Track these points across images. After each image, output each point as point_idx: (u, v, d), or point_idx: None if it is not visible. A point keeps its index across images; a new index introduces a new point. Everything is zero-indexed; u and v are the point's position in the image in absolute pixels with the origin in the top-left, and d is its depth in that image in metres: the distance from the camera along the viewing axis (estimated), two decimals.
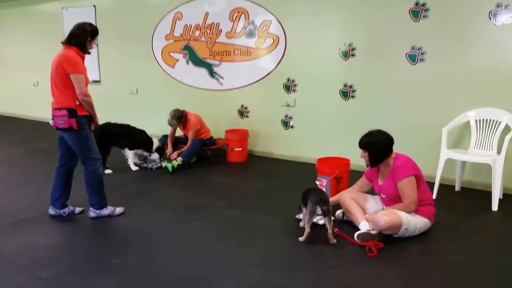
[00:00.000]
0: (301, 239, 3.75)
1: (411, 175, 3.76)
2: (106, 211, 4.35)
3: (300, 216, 4.06)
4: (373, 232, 3.72)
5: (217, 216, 4.41)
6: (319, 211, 3.68)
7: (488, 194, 4.55)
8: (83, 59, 4.13)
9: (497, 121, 4.69)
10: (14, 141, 8.27)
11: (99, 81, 8.90)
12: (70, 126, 4.01)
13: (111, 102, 8.65)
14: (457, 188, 5.07)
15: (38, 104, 10.12)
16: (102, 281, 3.20)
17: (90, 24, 4.20)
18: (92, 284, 3.16)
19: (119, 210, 4.44)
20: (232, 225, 4.19)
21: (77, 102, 4.03)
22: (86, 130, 4.13)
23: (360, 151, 3.96)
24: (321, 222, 3.90)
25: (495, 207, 4.44)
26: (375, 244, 3.60)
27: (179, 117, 6.37)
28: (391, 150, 3.90)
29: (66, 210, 4.40)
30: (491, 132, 4.72)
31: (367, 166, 4.02)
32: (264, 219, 4.29)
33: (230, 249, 3.66)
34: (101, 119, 6.13)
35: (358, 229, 3.82)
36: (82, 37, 4.10)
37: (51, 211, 4.40)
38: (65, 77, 3.98)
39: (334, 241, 3.70)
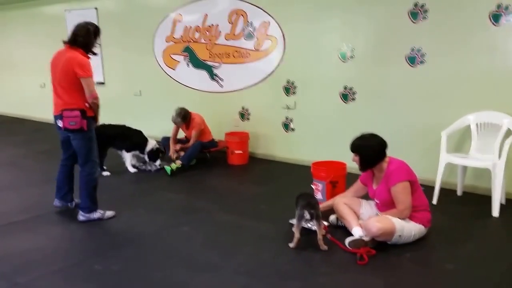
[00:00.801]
0: (291, 245, 3.64)
1: (405, 180, 3.63)
2: (96, 214, 4.31)
3: (294, 221, 3.95)
4: (365, 238, 3.60)
5: (209, 220, 4.32)
6: (307, 215, 3.57)
7: (490, 199, 4.37)
8: None
9: (498, 124, 4.53)
10: (16, 142, 8.28)
11: (103, 83, 8.88)
12: (81, 127, 4.02)
13: (116, 104, 8.61)
14: (458, 193, 4.91)
15: (43, 105, 10.10)
16: (80, 287, 3.13)
17: (91, 24, 4.18)
18: None
19: (109, 213, 4.38)
20: (222, 230, 4.09)
21: (87, 104, 4.05)
22: (92, 131, 4.19)
23: (352, 154, 3.85)
24: (314, 228, 3.79)
25: (495, 213, 4.27)
26: (366, 251, 3.48)
27: (184, 116, 6.31)
28: (384, 155, 3.77)
29: (74, 202, 4.52)
30: (492, 136, 4.56)
31: (359, 169, 3.91)
32: (256, 224, 4.18)
33: (216, 255, 3.56)
34: (107, 121, 6.16)
35: (352, 235, 3.71)
36: (87, 39, 4.09)
37: (57, 203, 4.47)
38: (74, 80, 3.97)
39: (325, 247, 3.58)
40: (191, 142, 6.31)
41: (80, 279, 3.23)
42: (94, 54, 4.22)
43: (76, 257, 3.59)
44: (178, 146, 6.35)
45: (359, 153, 3.77)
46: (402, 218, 3.63)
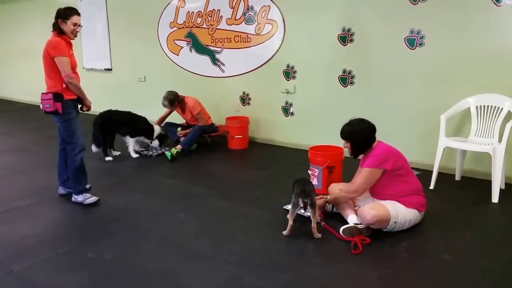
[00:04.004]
0: (284, 233, 3.36)
1: (376, 167, 3.36)
2: (79, 198, 4.13)
3: (289, 207, 3.65)
4: (360, 226, 3.31)
5: (205, 207, 4.05)
6: (301, 203, 3.27)
7: (490, 184, 4.03)
8: (69, 43, 3.93)
9: (498, 107, 4.16)
10: (29, 128, 8.04)
11: (110, 69, 8.60)
12: (55, 109, 3.87)
13: (122, 90, 8.41)
14: (457, 178, 4.57)
15: None
16: (71, 276, 2.90)
17: (65, 8, 3.90)
18: (59, 279, 2.86)
19: (91, 200, 4.13)
20: (217, 217, 3.82)
21: (64, 86, 3.88)
22: (70, 114, 3.97)
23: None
24: (308, 214, 3.48)
25: (495, 198, 3.94)
26: (361, 240, 3.18)
27: (171, 100, 6.02)
28: (373, 139, 3.49)
29: None
30: (492, 119, 4.20)
31: (350, 155, 3.63)
32: (251, 211, 3.90)
33: (209, 243, 3.29)
34: (113, 106, 5.96)
35: (347, 223, 3.41)
36: (57, 22, 3.87)
37: (62, 190, 4.33)
38: (51, 62, 3.83)
39: (319, 235, 3.29)
40: (200, 123, 6.03)
41: (72, 268, 3.00)
42: (71, 35, 3.92)
43: (71, 244, 3.35)
44: (182, 133, 6.06)
45: (350, 139, 3.50)
46: (347, 198, 3.49)
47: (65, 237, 3.51)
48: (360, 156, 3.63)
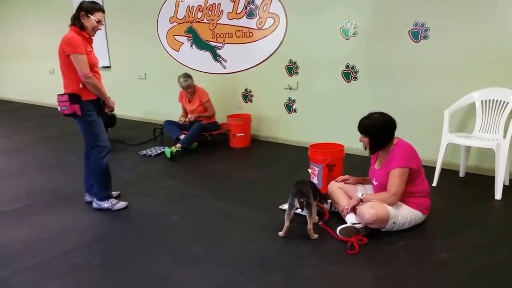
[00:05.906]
0: (280, 234, 3.42)
1: (405, 166, 3.31)
2: (106, 204, 4.09)
3: (285, 207, 3.72)
4: (358, 226, 3.36)
5: (201, 208, 4.12)
6: (297, 204, 3.34)
7: (494, 180, 4.04)
8: (87, 40, 3.78)
9: (504, 101, 4.18)
10: (24, 128, 8.20)
11: (109, 67, 8.72)
12: (73, 112, 3.73)
13: (121, 88, 8.47)
14: (461, 174, 4.61)
15: (52, 91, 10.02)
16: (56, 282, 2.94)
17: (90, 1, 3.77)
18: (43, 286, 2.90)
19: (120, 205, 4.12)
20: (212, 218, 3.88)
21: (81, 86, 3.72)
22: (91, 116, 3.82)
23: (359, 134, 3.50)
24: (304, 212, 3.54)
25: (498, 195, 3.96)
26: (358, 240, 3.24)
27: (190, 84, 6.15)
28: (393, 135, 3.44)
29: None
30: (498, 114, 4.23)
31: (365, 149, 3.55)
32: (248, 212, 3.96)
33: (202, 246, 3.35)
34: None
35: (345, 222, 3.47)
36: (77, 14, 3.72)
37: (88, 198, 4.25)
38: (66, 60, 3.69)
39: (315, 236, 3.35)
40: (209, 113, 6.21)
41: (57, 274, 3.04)
42: (90, 31, 3.79)
43: (58, 250, 3.38)
44: (192, 117, 6.18)
45: (369, 134, 3.42)
46: (388, 204, 3.33)
47: (53, 242, 3.52)
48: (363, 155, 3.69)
